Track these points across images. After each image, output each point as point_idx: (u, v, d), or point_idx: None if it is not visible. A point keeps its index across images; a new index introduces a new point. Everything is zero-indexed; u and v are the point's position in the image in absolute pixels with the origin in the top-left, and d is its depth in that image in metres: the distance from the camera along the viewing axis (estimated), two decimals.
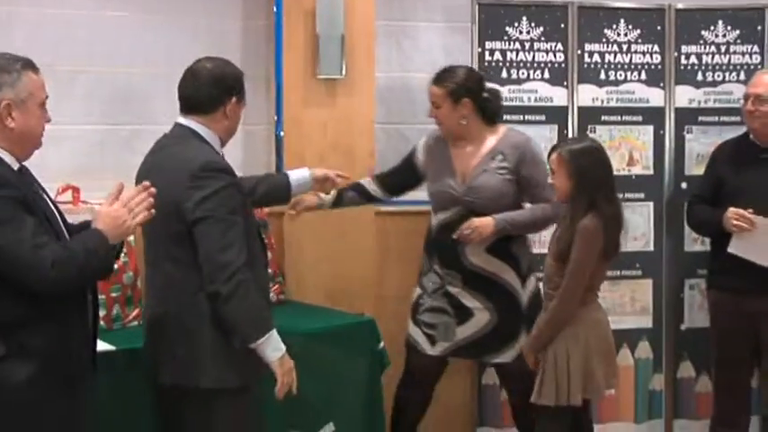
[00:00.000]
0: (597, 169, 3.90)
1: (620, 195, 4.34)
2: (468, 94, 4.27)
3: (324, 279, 4.76)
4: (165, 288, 3.32)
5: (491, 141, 4.33)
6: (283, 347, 3.25)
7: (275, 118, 4.92)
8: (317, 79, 4.75)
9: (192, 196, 3.16)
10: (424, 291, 4.42)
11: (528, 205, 4.34)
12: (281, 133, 4.86)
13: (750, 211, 4.36)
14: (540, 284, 4.19)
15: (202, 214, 3.14)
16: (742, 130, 4.69)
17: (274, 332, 3.23)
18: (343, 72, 4.74)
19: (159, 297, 3.36)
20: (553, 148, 4.05)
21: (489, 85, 4.46)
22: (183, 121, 3.35)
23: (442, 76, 4.32)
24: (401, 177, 4.52)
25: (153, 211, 2.98)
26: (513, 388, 4.46)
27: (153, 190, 2.99)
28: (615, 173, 4.42)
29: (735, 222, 4.38)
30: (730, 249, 4.42)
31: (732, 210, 4.40)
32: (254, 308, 3.18)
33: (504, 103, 4.74)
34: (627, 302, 5.04)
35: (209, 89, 3.31)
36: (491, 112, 4.37)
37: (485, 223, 4.18)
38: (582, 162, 3.88)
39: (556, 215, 4.21)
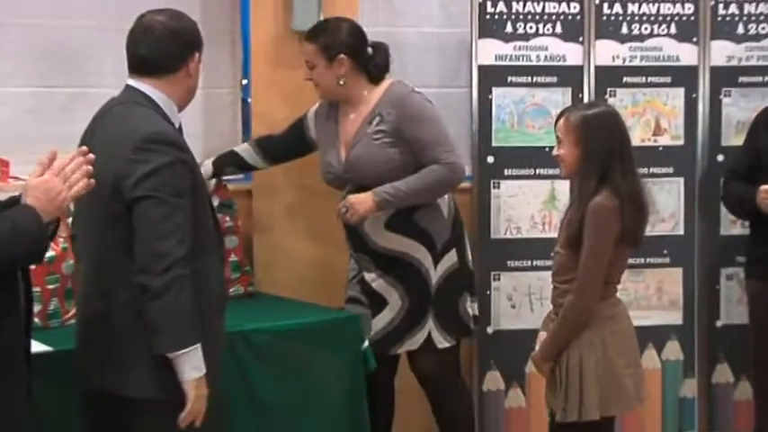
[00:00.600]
0: (609, 136, 3.77)
1: (645, 170, 4.42)
2: (346, 51, 4.23)
3: (299, 268, 4.68)
4: (98, 280, 3.23)
5: (372, 102, 4.29)
6: (203, 368, 3.10)
7: (242, 80, 4.85)
8: (290, 34, 4.64)
9: (133, 171, 3.05)
10: (347, 280, 4.46)
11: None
12: (249, 98, 4.78)
13: None
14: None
15: (143, 193, 3.04)
16: None
17: (198, 348, 3.08)
18: None
19: (91, 290, 3.26)
20: (560, 114, 3.93)
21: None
22: (133, 83, 3.25)
23: (315, 31, 4.29)
24: (286, 146, 4.52)
25: (93, 181, 2.87)
26: (429, 391, 4.44)
27: (91, 156, 2.86)
28: (639, 143, 4.58)
29: None
30: None
31: (764, 188, 4.33)
32: (183, 311, 3.05)
33: (510, 63, 4.84)
34: (652, 295, 5.00)
35: (168, 46, 3.22)
36: (377, 69, 4.31)
37: (361, 200, 4.17)
38: (591, 128, 3.77)
39: (452, 178, 4.21)
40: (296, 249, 4.70)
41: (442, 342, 4.32)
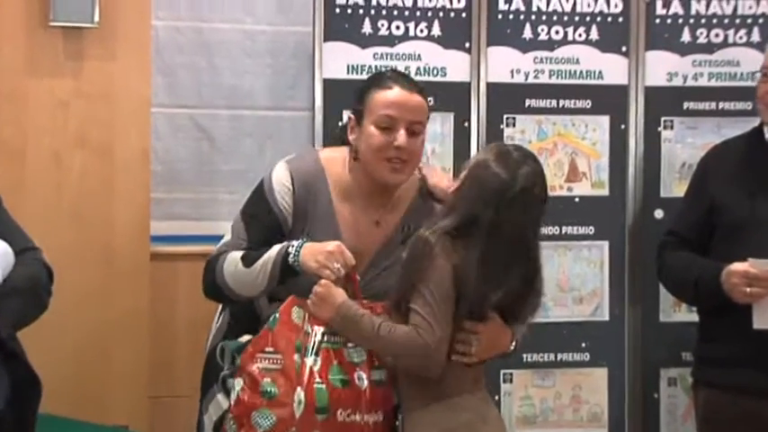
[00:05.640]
0: (483, 209, 3.28)
1: (555, 229, 4.50)
2: None
3: (63, 368, 4.40)
4: None
5: (404, 200, 3.71)
6: None
7: None
8: (49, 28, 4.52)
9: None
10: None
11: None
12: None
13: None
14: None
15: None
16: (752, 123, 4.32)
17: None
18: (96, 18, 4.53)
19: None
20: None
21: None
22: None
23: (410, 78, 3.75)
24: None
25: None
26: None
27: None
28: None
29: (748, 291, 4.00)
30: (757, 325, 4.05)
31: (733, 271, 4.01)
32: None
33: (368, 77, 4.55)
34: (566, 406, 4.84)
35: None
36: None
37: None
38: (470, 185, 3.38)
39: None
40: (60, 339, 4.39)
41: None
